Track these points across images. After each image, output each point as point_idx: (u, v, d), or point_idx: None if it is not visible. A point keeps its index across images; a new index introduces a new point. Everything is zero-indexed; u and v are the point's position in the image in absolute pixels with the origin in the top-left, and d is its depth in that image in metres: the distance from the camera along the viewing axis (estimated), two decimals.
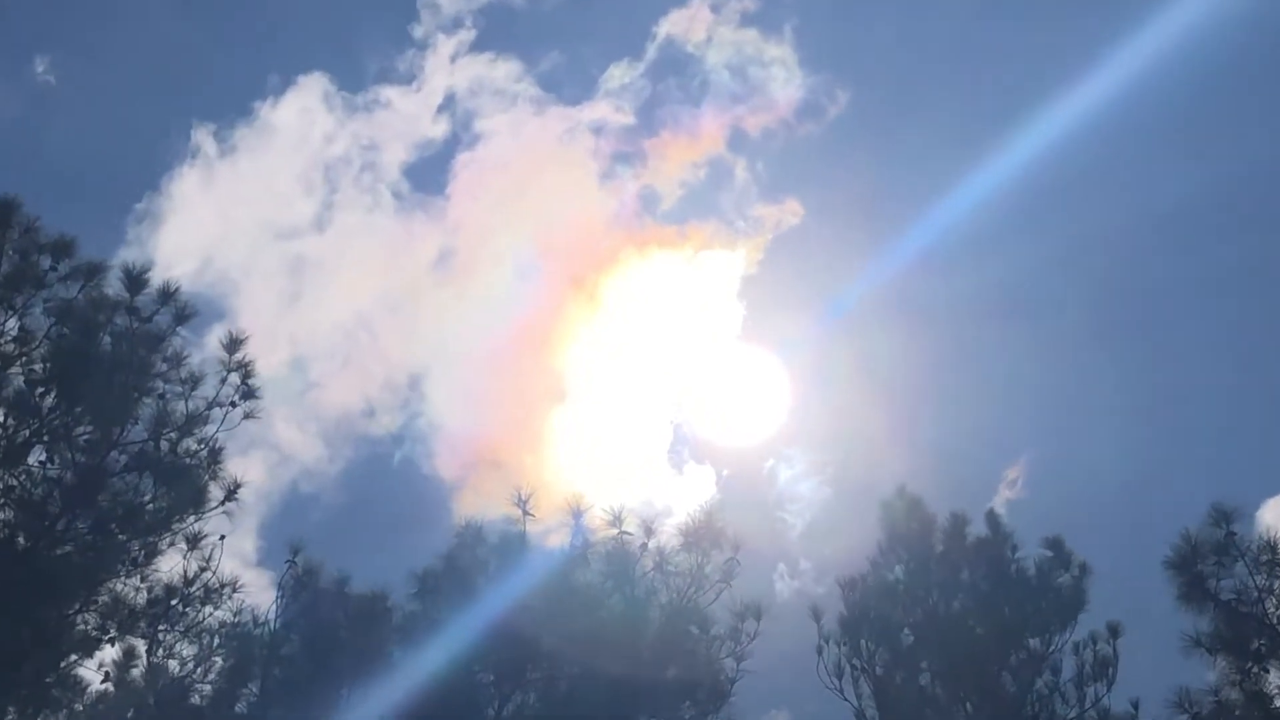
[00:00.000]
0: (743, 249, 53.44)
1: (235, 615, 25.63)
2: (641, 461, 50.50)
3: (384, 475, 51.38)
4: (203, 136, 54.34)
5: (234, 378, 26.21)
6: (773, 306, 52.57)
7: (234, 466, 28.45)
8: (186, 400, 25.98)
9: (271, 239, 53.68)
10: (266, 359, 53.19)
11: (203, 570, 25.58)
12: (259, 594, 40.46)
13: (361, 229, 54.62)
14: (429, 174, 56.21)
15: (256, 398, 26.43)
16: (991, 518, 27.88)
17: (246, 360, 26.48)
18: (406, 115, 55.81)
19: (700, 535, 27.95)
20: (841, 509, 46.70)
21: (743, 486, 49.60)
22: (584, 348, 52.35)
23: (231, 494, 25.82)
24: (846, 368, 51.43)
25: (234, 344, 26.50)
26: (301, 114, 55.78)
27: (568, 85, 60.75)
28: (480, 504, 49.18)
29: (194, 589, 25.47)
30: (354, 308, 52.63)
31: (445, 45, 56.45)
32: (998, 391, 51.85)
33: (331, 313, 52.70)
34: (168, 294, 26.07)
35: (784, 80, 56.32)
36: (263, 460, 50.66)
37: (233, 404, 26.15)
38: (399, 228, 54.50)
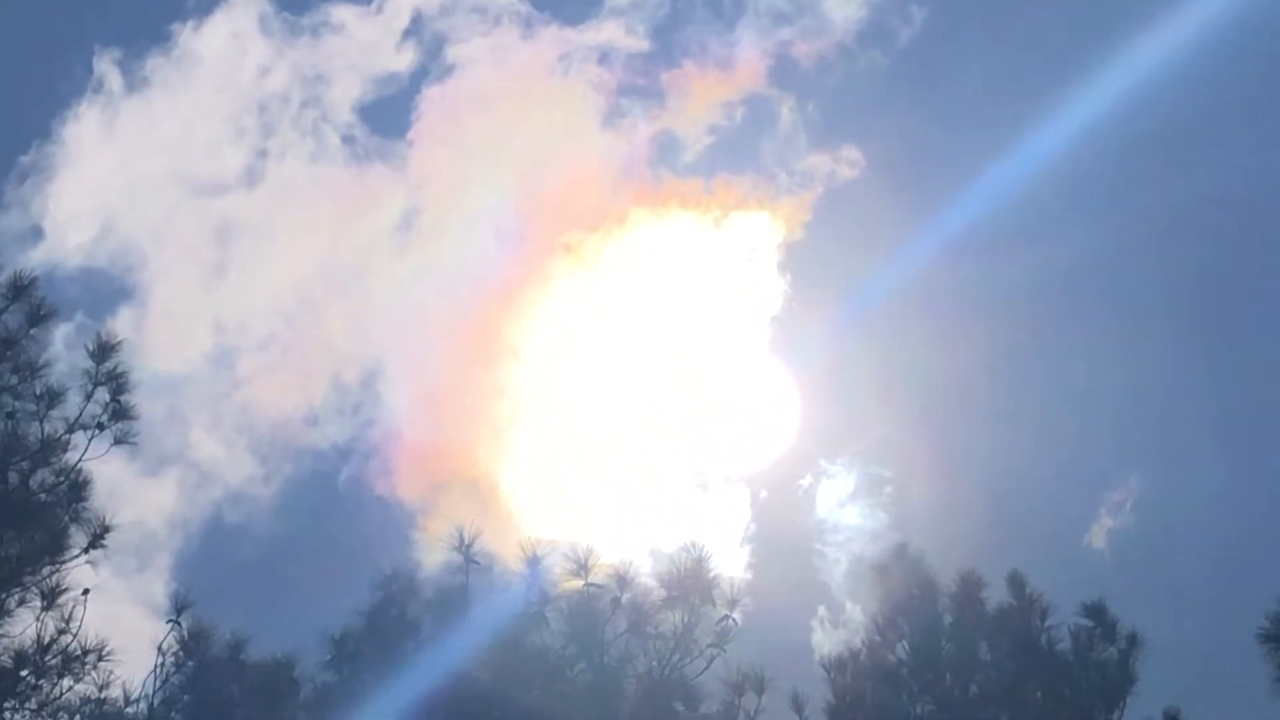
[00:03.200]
0: (786, 209, 53.23)
1: (102, 689, 25.29)
2: (657, 480, 50.57)
3: (329, 498, 51.47)
4: (106, 67, 54.51)
5: (102, 394, 26.29)
6: (822, 280, 52.17)
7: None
8: (42, 421, 25.91)
9: (191, 197, 53.79)
10: (184, 350, 53.60)
11: (62, 633, 25.31)
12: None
13: (304, 184, 54.54)
14: (390, 114, 55.81)
15: (130, 418, 26.38)
16: (1014, 580, 27.61)
17: (119, 371, 26.43)
18: (363, 41, 55.67)
19: (687, 588, 28.19)
20: (899, 540, 46.58)
21: (783, 510, 49.56)
22: (583, 334, 52.28)
23: (98, 539, 25.73)
24: (911, 361, 51.16)
25: (103, 350, 26.39)
26: (231, 40, 55.86)
27: (564, 1, 60.40)
28: (448, 533, 49.49)
29: (50, 657, 25.19)
30: (293, 284, 52.61)
31: None
32: (1085, 397, 51.44)
33: (265, 291, 52.73)
34: (19, 287, 26.10)
35: None
36: (178, 482, 51.06)
37: (100, 426, 26.16)
38: (351, 182, 54.22)
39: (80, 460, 26.49)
